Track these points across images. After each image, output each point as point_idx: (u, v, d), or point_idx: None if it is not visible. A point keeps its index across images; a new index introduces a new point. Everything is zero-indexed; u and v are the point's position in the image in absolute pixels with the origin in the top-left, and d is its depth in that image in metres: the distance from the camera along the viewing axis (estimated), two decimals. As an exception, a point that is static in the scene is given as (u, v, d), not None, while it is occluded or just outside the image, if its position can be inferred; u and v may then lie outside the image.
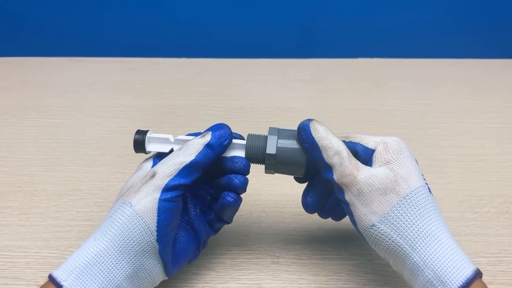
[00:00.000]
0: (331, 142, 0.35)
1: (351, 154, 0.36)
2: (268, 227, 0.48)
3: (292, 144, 0.38)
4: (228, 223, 0.41)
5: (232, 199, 0.38)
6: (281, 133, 0.38)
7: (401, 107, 0.66)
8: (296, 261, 0.44)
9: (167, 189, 0.35)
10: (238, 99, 0.67)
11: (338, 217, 0.41)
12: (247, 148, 0.38)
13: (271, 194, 0.51)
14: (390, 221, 0.34)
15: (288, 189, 0.52)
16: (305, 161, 0.38)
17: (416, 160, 0.38)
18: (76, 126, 0.62)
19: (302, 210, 0.49)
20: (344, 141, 0.37)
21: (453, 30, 0.81)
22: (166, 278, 0.38)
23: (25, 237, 0.46)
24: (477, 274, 0.33)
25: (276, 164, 0.38)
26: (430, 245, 0.33)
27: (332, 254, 0.45)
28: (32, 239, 0.46)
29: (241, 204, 0.50)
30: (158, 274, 0.37)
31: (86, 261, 0.33)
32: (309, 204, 0.40)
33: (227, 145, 0.37)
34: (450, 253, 0.33)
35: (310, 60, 0.77)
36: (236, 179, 0.38)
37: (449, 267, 0.32)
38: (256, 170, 0.54)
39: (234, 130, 0.41)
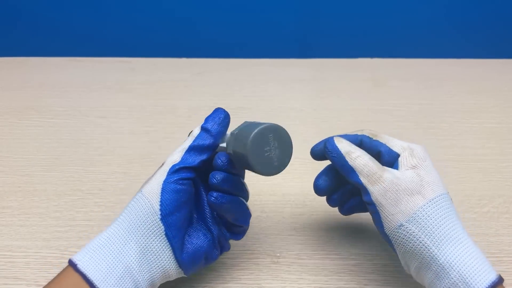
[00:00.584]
0: (354, 149, 0.37)
1: (373, 159, 0.37)
2: (268, 227, 0.48)
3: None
4: (240, 227, 0.40)
5: (213, 198, 0.37)
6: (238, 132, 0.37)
7: (401, 107, 0.66)
8: (296, 261, 0.44)
9: (172, 172, 0.37)
10: (238, 99, 0.67)
11: (345, 211, 0.42)
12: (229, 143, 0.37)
13: (271, 194, 0.52)
14: (417, 222, 0.35)
15: (288, 189, 0.52)
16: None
17: None
18: (76, 126, 0.62)
19: (302, 210, 0.50)
20: (370, 138, 0.40)
21: (453, 30, 0.81)
22: (182, 272, 0.38)
23: (25, 237, 0.46)
24: (500, 280, 0.33)
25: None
26: (455, 248, 0.34)
27: (332, 254, 0.45)
28: (32, 239, 0.46)
29: (241, 204, 0.50)
30: (168, 259, 0.37)
31: (100, 243, 0.36)
32: (319, 186, 0.41)
33: (221, 124, 0.38)
34: (475, 257, 0.34)
35: (310, 60, 0.77)
36: (213, 177, 0.37)
37: (474, 270, 0.33)
38: (256, 170, 0.54)
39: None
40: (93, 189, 0.52)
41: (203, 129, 0.38)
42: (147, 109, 0.65)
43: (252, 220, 0.48)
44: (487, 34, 0.82)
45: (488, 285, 0.32)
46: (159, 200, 0.36)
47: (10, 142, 0.59)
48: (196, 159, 0.37)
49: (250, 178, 0.52)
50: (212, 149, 0.38)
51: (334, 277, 0.43)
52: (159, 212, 0.36)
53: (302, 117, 0.64)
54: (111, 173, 0.54)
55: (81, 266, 0.34)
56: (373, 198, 0.36)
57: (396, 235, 0.36)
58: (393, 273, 0.43)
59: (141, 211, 0.36)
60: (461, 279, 0.33)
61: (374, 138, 0.40)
